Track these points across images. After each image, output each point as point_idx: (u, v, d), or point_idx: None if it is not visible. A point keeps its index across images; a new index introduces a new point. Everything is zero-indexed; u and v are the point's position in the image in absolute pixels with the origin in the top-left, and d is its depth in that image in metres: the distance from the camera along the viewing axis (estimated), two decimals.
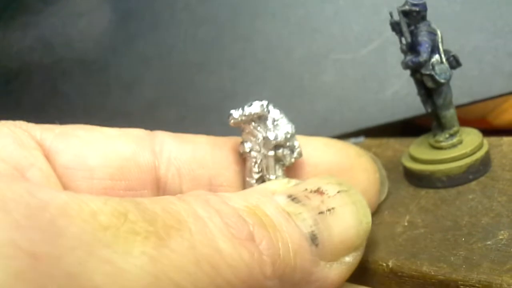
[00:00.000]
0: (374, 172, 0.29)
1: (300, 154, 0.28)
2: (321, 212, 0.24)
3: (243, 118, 0.27)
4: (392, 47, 0.40)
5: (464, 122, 0.34)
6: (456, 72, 0.32)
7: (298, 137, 0.28)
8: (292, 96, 0.44)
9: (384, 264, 0.27)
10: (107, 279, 0.17)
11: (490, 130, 0.48)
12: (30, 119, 0.50)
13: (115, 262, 0.17)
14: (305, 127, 0.43)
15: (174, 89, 0.48)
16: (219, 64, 0.47)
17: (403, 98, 0.41)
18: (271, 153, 0.27)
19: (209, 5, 0.48)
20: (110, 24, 0.49)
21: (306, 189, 0.25)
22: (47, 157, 0.24)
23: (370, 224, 0.25)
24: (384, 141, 0.39)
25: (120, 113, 0.48)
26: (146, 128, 0.48)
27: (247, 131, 0.27)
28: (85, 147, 0.25)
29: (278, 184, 0.26)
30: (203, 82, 0.47)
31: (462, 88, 0.39)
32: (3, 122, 0.24)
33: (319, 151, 0.29)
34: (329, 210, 0.24)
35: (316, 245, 0.23)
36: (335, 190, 0.25)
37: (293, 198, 0.24)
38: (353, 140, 0.41)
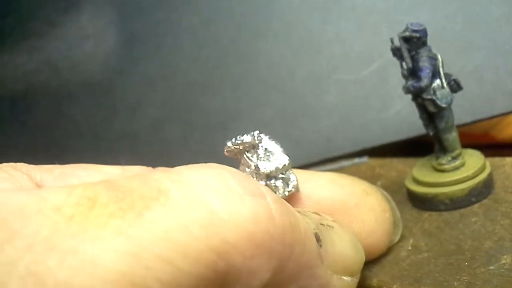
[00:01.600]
0: (382, 212, 0.28)
1: (296, 188, 0.27)
2: (322, 224, 0.24)
3: (236, 147, 0.27)
4: (393, 67, 0.41)
5: (468, 137, 0.34)
6: (458, 92, 0.32)
7: (300, 172, 0.28)
8: (295, 116, 0.45)
9: None
10: (75, 272, 0.15)
11: (493, 145, 0.48)
12: (35, 140, 0.51)
13: (83, 252, 0.16)
14: (308, 147, 0.44)
15: (178, 109, 0.48)
16: (222, 84, 0.47)
17: (406, 118, 0.41)
18: (262, 183, 0.27)
19: (212, 27, 0.48)
20: (115, 47, 0.50)
21: (305, 210, 0.25)
22: None
23: (364, 258, 0.25)
24: (387, 161, 0.40)
25: (125, 134, 0.49)
26: (151, 148, 0.49)
27: (242, 162, 0.28)
28: None
29: None
30: (207, 102, 0.48)
31: (464, 107, 0.40)
32: (3, 165, 0.23)
33: (321, 187, 0.28)
34: (329, 225, 0.24)
35: (320, 245, 0.22)
36: (331, 219, 0.25)
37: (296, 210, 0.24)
38: (357, 160, 0.41)
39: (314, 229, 0.23)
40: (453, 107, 0.31)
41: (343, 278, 0.24)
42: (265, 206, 0.19)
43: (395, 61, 0.33)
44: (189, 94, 0.48)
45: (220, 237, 0.18)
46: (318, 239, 0.23)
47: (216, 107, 0.48)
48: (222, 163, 0.29)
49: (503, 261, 0.26)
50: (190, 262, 0.17)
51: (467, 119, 0.40)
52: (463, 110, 0.40)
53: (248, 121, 0.46)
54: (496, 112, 0.40)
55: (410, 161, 0.38)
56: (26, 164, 0.24)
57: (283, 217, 0.20)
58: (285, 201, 0.22)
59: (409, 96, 0.33)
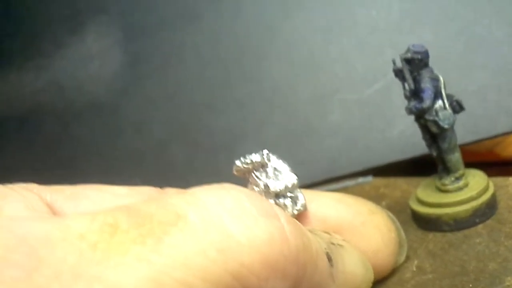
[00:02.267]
0: (388, 231, 0.28)
1: (304, 207, 0.28)
2: (332, 243, 0.24)
3: (245, 166, 0.28)
4: (396, 87, 0.41)
5: (472, 154, 0.34)
6: None
7: (307, 191, 0.28)
8: (299, 136, 0.45)
9: None
10: None
11: (498, 163, 0.48)
12: (42, 160, 0.51)
13: (108, 278, 0.16)
14: (313, 166, 0.44)
15: (183, 129, 0.49)
16: (226, 104, 0.48)
17: (410, 137, 0.42)
18: (271, 201, 0.27)
19: (216, 47, 0.49)
20: (119, 67, 0.50)
21: (316, 229, 0.25)
22: None
23: (372, 278, 0.25)
24: (392, 181, 0.40)
25: (130, 153, 0.49)
26: (156, 167, 0.49)
27: (250, 181, 0.28)
28: (95, 207, 0.26)
29: None
30: (211, 122, 0.48)
31: (466, 127, 0.40)
32: (14, 186, 0.24)
33: (327, 206, 0.28)
34: (339, 244, 0.25)
35: (331, 265, 0.23)
36: (341, 238, 0.26)
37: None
38: (361, 179, 0.42)
39: (325, 249, 0.23)
40: (456, 126, 0.32)
41: None
42: (279, 227, 0.20)
43: (398, 81, 0.33)
44: (193, 114, 0.49)
45: (236, 261, 0.18)
46: (329, 259, 0.23)
47: (220, 127, 0.48)
48: (227, 182, 0.30)
49: (507, 283, 0.26)
50: (209, 285, 0.17)
51: (470, 138, 0.40)
52: (466, 129, 0.40)
53: (253, 141, 0.46)
54: (498, 131, 0.40)
55: (414, 180, 0.38)
56: (36, 185, 0.25)
57: (297, 237, 0.20)
58: (297, 221, 0.22)
59: (413, 116, 0.33)
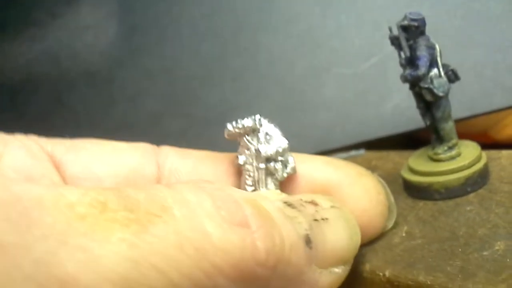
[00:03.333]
0: (377, 194, 0.28)
1: (294, 170, 0.28)
2: (315, 219, 0.24)
3: (236, 130, 0.28)
4: (392, 62, 0.40)
5: (466, 136, 0.34)
6: (457, 86, 0.32)
7: (297, 154, 0.28)
8: (293, 110, 0.45)
9: (381, 274, 0.27)
10: (81, 267, 0.17)
11: (492, 145, 0.48)
12: (35, 130, 0.51)
13: (91, 250, 0.17)
14: (306, 140, 0.44)
15: (177, 101, 0.49)
16: (222, 77, 0.48)
17: (403, 112, 0.42)
18: (262, 166, 0.28)
19: (212, 20, 0.48)
20: (115, 38, 0.50)
21: (301, 199, 0.25)
22: (58, 168, 0.25)
23: (359, 242, 0.25)
24: (384, 154, 0.40)
25: (124, 125, 0.49)
26: (149, 140, 0.49)
27: (242, 144, 0.28)
28: (94, 158, 0.26)
29: (272, 193, 0.27)
30: (206, 95, 0.48)
31: (462, 103, 0.40)
32: (16, 136, 0.25)
33: (316, 168, 0.28)
34: (323, 219, 0.24)
35: (310, 247, 0.23)
36: (328, 204, 0.26)
37: (288, 204, 0.24)
38: (353, 152, 0.41)
39: (306, 230, 0.23)
40: (452, 102, 0.31)
41: (334, 270, 0.24)
42: (250, 233, 0.21)
43: (394, 55, 0.33)
44: (188, 86, 0.49)
45: (209, 261, 0.19)
46: (308, 241, 0.23)
47: (215, 99, 0.48)
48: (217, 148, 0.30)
49: (497, 247, 0.26)
50: (182, 277, 0.19)
51: (465, 114, 0.40)
52: (461, 105, 0.40)
53: (247, 114, 0.46)
54: (494, 107, 0.40)
55: (406, 153, 0.38)
56: (37, 137, 0.26)
57: (267, 240, 0.21)
58: (273, 219, 0.22)
59: (407, 90, 0.33)
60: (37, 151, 0.24)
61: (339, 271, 0.24)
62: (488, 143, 0.48)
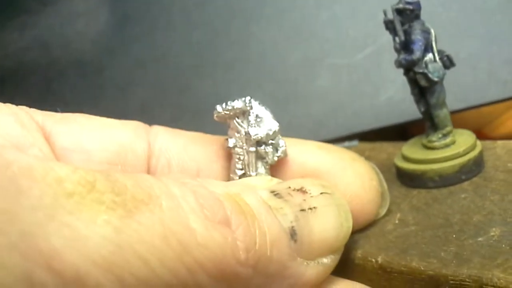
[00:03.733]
0: (369, 179, 0.28)
1: (284, 153, 0.27)
2: (302, 210, 0.23)
3: (226, 112, 0.27)
4: (386, 52, 0.40)
5: None
6: (451, 78, 0.32)
7: (288, 139, 0.28)
8: (287, 100, 0.44)
9: (373, 260, 0.26)
10: (67, 243, 0.17)
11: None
12: None
13: (77, 228, 0.17)
14: (299, 130, 0.43)
15: (168, 91, 0.48)
16: (214, 67, 0.47)
17: (397, 103, 0.41)
18: (253, 149, 0.27)
19: (205, 9, 0.48)
20: (106, 27, 0.49)
21: (289, 187, 0.25)
22: (47, 139, 0.25)
23: (350, 229, 0.25)
24: (378, 145, 0.39)
25: (114, 114, 0.47)
26: None
27: (231, 126, 0.28)
28: (85, 131, 0.26)
29: (260, 180, 0.26)
30: (197, 85, 0.47)
31: (457, 94, 0.39)
32: (7, 104, 0.24)
33: (308, 152, 0.28)
34: (310, 208, 0.24)
35: (295, 240, 0.22)
36: (318, 191, 0.25)
37: (275, 194, 0.24)
38: (347, 143, 0.41)
39: (291, 222, 0.23)
40: (446, 93, 0.31)
41: (322, 261, 0.24)
42: (230, 233, 0.20)
43: (388, 46, 0.32)
44: (180, 76, 0.48)
45: (191, 256, 0.19)
46: (293, 234, 0.22)
47: (207, 90, 0.47)
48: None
49: (492, 233, 0.25)
50: (164, 268, 0.18)
51: (460, 106, 0.40)
52: (456, 97, 0.39)
53: None
54: (488, 99, 0.39)
55: (400, 144, 0.37)
56: (28, 108, 0.25)
57: (247, 239, 0.21)
58: (254, 216, 0.22)
59: (401, 82, 0.32)
60: (27, 120, 0.24)
61: (328, 262, 0.24)
62: (483, 141, 0.48)
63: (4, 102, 0.50)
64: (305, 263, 0.23)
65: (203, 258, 0.19)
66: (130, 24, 0.49)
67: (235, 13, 0.47)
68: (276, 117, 0.44)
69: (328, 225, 0.24)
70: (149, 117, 0.47)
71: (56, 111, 0.26)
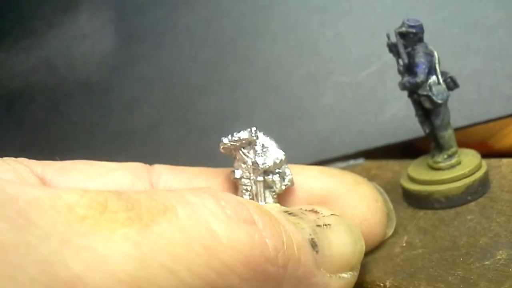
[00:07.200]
0: (374, 201, 0.28)
1: (291, 182, 0.28)
2: (318, 225, 0.24)
3: (232, 143, 0.27)
4: (390, 70, 0.40)
5: (465, 146, 0.34)
6: (455, 95, 0.32)
7: (292, 166, 0.28)
8: (291, 118, 0.45)
9: (382, 284, 0.26)
10: (87, 266, 0.16)
11: (491, 155, 0.48)
12: (32, 139, 0.51)
13: (95, 249, 0.17)
14: (304, 148, 0.44)
15: (175, 110, 0.48)
16: (219, 85, 0.47)
17: (402, 121, 0.41)
18: (260, 178, 0.27)
19: (210, 27, 0.48)
20: (112, 46, 0.50)
21: (301, 209, 0.25)
22: None
23: (363, 247, 0.25)
24: (383, 163, 0.39)
25: (121, 133, 0.49)
26: (147, 148, 0.49)
27: (237, 158, 0.28)
28: (85, 179, 0.26)
29: (271, 206, 0.26)
30: (203, 103, 0.48)
31: (461, 111, 0.39)
32: (5, 158, 0.24)
33: (312, 178, 0.28)
34: (325, 225, 0.24)
35: (317, 251, 0.23)
36: (328, 212, 0.25)
37: (289, 213, 0.24)
38: (352, 162, 0.41)
39: (310, 234, 0.23)
40: (450, 111, 0.31)
41: (343, 276, 0.24)
42: (258, 231, 0.20)
43: (392, 64, 0.32)
44: (186, 94, 0.48)
45: (219, 259, 0.19)
46: (314, 245, 0.23)
47: (212, 107, 0.47)
48: (218, 164, 0.30)
49: (499, 257, 0.25)
50: (193, 276, 0.18)
51: (464, 122, 0.40)
52: (460, 113, 0.39)
53: (244, 122, 0.45)
54: (492, 116, 0.40)
55: (406, 162, 0.38)
56: (26, 159, 0.25)
57: (276, 239, 0.20)
58: (278, 220, 0.22)
59: (406, 99, 0.32)
60: (26, 174, 0.24)
61: (348, 277, 0.24)
62: (488, 153, 0.48)
63: (13, 124, 0.51)
64: (328, 275, 0.23)
65: (231, 259, 0.19)
66: (135, 44, 0.49)
67: (240, 31, 0.47)
68: (281, 134, 0.45)
69: (344, 240, 0.24)
70: (157, 135, 0.48)
71: (55, 159, 0.26)
